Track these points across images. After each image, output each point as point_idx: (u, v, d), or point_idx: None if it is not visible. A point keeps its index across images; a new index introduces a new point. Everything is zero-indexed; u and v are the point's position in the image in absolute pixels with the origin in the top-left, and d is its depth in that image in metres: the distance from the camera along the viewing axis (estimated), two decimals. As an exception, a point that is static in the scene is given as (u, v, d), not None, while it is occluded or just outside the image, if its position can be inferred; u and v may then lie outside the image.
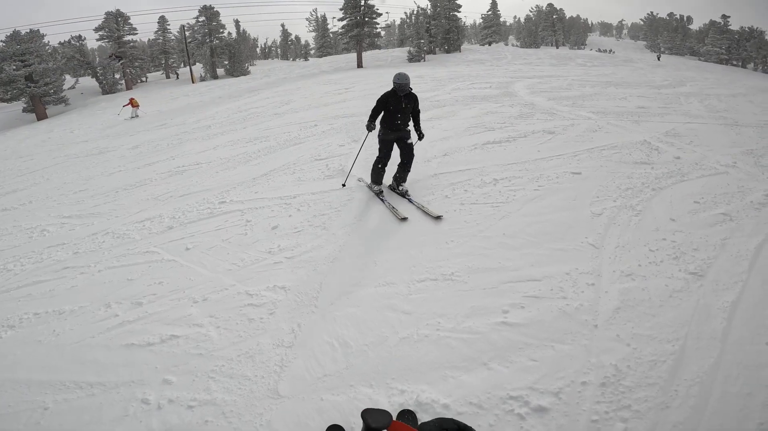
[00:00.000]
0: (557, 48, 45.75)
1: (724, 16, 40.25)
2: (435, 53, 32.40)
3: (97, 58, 30.99)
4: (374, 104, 4.25)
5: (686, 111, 7.75)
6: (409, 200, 4.27)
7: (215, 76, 30.99)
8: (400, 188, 4.42)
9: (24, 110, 23.46)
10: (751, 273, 2.85)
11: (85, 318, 3.37)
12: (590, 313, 2.58)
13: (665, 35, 49.89)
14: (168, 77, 34.76)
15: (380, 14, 28.83)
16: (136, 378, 2.65)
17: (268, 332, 2.81)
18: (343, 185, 4.67)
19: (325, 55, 44.03)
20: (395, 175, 4.43)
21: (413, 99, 4.22)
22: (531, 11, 54.51)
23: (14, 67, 22.45)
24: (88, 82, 30.14)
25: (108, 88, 28.83)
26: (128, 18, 31.01)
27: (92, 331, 3.19)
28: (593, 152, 5.24)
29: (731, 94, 10.22)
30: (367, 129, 4.27)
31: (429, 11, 32.76)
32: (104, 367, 2.80)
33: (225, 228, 4.37)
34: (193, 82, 28.26)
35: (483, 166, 5.01)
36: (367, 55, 29.42)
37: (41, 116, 22.62)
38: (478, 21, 53.34)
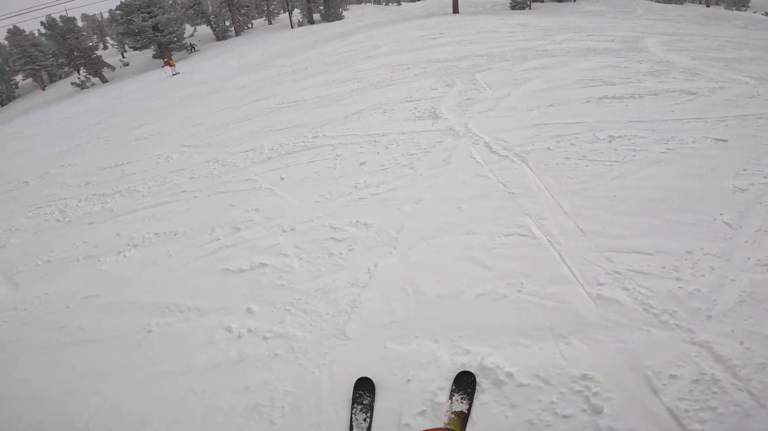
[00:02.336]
0: (707, 6, 35.97)
1: None
2: (543, 1, 28.27)
3: (210, 7, 33.32)
4: None
5: None
6: None
7: (312, 21, 31.43)
8: None
9: (153, 57, 26.78)
10: None
11: (194, 240, 3.62)
12: (706, 301, 2.08)
13: None
14: (270, 23, 36.25)
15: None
16: (225, 305, 2.73)
17: (346, 269, 2.77)
18: None
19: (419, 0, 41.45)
20: None
21: None
22: (677, -41, 43.14)
23: (142, 18, 25.35)
24: (203, 29, 32.96)
25: (221, 35, 31.24)
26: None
27: (197, 254, 3.39)
28: (747, 120, 4.11)
29: None
30: None
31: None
32: (202, 292, 2.92)
33: (316, 161, 4.51)
34: (291, 28, 29.04)
35: (597, 120, 4.28)
36: (464, 0, 26.87)
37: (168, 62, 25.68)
38: (600, -33, 44.16)
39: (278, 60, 13.25)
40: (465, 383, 1.94)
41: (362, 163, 4.17)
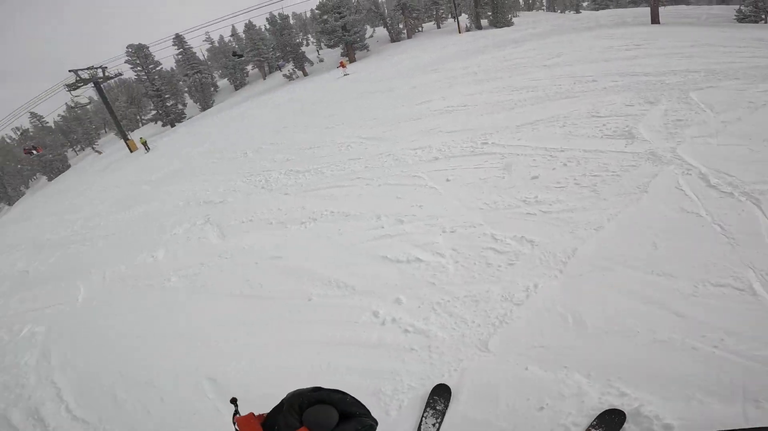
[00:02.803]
0: None
1: None
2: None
3: (386, 10, 36.21)
4: None
5: None
6: None
7: (479, 27, 31.17)
8: None
9: (341, 54, 30.79)
10: None
11: (362, 224, 4.02)
12: None
13: None
14: (438, 27, 37.49)
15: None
16: (377, 291, 2.92)
17: (502, 282, 2.70)
18: None
19: (603, 8, 36.93)
20: None
21: None
22: None
23: (334, 18, 29.12)
24: (380, 31, 36.22)
25: (395, 36, 33.85)
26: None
27: (362, 237, 3.75)
28: None
29: None
30: None
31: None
32: (360, 273, 3.18)
33: (484, 167, 4.50)
34: (459, 32, 29.36)
35: None
36: (666, 10, 22.39)
37: (351, 59, 29.14)
38: None
39: (447, 63, 13.64)
40: (608, 422, 1.77)
41: (534, 177, 3.99)
